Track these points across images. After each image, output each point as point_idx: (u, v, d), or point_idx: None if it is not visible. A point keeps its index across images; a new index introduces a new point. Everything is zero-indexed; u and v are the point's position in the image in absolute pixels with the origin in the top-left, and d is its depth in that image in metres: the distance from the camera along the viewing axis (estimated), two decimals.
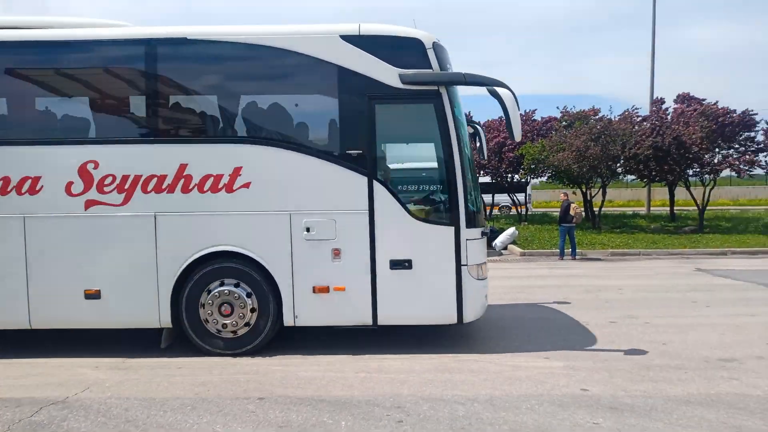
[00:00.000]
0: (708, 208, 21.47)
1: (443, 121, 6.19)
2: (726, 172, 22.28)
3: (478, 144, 8.00)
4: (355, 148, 6.21)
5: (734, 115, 19.18)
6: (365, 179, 6.22)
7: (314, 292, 6.26)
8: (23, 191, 6.27)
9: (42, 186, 6.27)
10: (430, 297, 6.26)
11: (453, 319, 6.28)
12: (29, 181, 6.26)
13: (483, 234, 6.52)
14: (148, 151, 6.34)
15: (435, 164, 6.45)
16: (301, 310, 6.30)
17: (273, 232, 6.26)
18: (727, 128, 19.08)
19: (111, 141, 6.39)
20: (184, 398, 5.08)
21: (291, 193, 6.25)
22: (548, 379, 5.47)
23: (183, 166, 6.24)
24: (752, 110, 19.18)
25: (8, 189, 6.27)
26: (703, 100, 20.59)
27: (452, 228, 6.22)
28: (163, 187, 6.24)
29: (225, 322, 6.34)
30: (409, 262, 6.23)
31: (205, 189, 6.24)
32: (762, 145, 19.70)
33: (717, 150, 19.71)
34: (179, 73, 6.48)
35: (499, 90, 6.18)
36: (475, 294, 6.33)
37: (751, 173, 21.20)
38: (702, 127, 18.76)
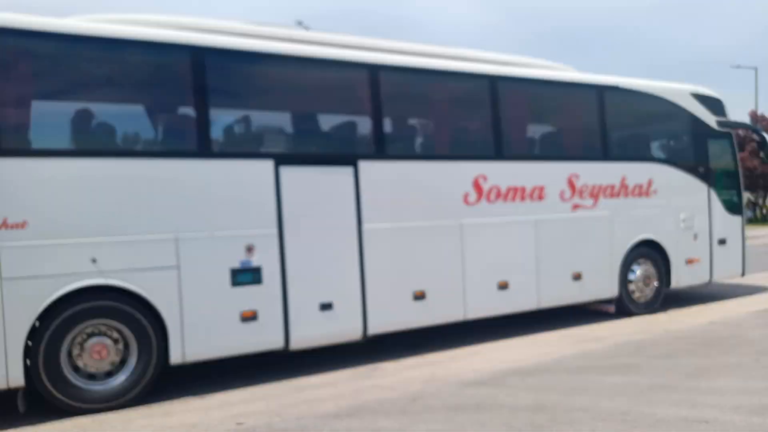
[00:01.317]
0: None
1: (734, 150, 9.96)
2: None
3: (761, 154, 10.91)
4: (702, 166, 9.41)
5: None
6: (706, 187, 9.45)
7: (687, 263, 9.21)
8: (533, 198, 7.86)
9: (546, 194, 7.94)
10: (733, 261, 9.73)
11: (739, 273, 9.93)
12: (537, 190, 7.89)
13: None
14: (604, 167, 8.57)
15: (729, 176, 9.89)
16: (680, 276, 9.18)
17: (668, 223, 9.07)
18: None
19: (584, 159, 8.52)
20: None
21: (674, 196, 9.11)
22: (202, 420, 5.05)
23: (623, 178, 8.64)
24: None
25: (524, 197, 7.78)
26: None
27: (740, 217, 9.92)
28: (613, 193, 8.53)
29: (646, 290, 8.96)
30: (725, 240, 9.60)
31: (635, 194, 8.73)
32: None
33: None
34: (614, 112, 8.70)
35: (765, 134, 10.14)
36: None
37: None
38: None
